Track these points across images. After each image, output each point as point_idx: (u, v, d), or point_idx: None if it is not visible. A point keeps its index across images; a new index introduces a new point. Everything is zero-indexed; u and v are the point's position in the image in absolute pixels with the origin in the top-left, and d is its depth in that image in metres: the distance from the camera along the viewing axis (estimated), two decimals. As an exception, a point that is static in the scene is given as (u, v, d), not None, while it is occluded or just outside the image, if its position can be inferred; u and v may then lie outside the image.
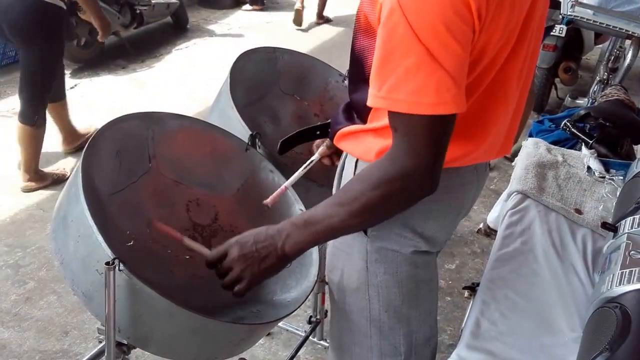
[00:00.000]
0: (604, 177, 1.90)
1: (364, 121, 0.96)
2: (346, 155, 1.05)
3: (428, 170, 0.81)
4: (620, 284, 1.13)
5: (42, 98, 2.48)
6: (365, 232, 1.00)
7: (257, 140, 1.28)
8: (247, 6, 5.91)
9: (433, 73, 0.74)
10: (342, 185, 1.05)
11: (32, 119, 2.47)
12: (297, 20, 5.15)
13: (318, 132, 1.15)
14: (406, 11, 0.73)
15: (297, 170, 1.18)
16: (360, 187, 0.84)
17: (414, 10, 0.73)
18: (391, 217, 0.91)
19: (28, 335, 1.93)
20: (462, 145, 0.89)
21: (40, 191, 2.70)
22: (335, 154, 1.17)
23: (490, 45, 0.82)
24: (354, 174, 0.99)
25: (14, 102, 3.60)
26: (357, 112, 0.99)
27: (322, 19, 5.38)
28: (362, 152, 0.97)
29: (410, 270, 1.01)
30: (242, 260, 0.91)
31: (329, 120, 1.10)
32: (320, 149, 1.18)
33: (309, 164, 1.17)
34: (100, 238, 0.90)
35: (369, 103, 0.82)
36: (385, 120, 0.88)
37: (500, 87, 0.89)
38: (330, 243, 1.08)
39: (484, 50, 0.81)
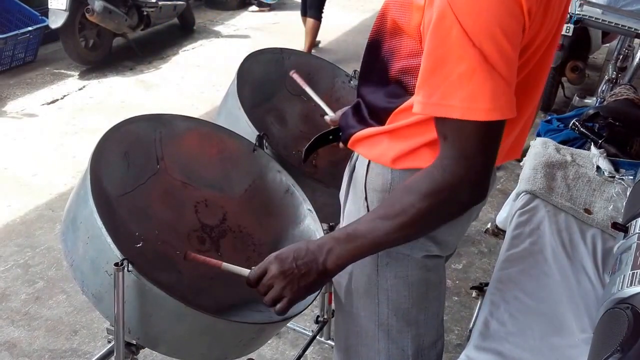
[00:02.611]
0: (613, 177, 1.88)
1: (380, 122, 0.93)
2: (357, 157, 1.03)
3: (479, 178, 0.77)
4: (631, 285, 1.12)
5: (322, 5, 4.48)
6: None
7: (264, 141, 1.28)
8: (254, 7, 5.93)
9: (488, 78, 0.70)
10: (351, 186, 1.04)
11: (319, 17, 4.42)
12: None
13: (331, 137, 1.13)
14: (459, 15, 0.69)
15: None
16: (408, 199, 0.80)
17: (467, 13, 0.69)
18: (439, 228, 0.87)
19: (38, 334, 1.95)
20: None
21: (49, 191, 2.72)
22: None
23: (533, 44, 0.79)
24: (366, 176, 0.97)
25: (23, 103, 3.64)
26: (373, 113, 0.96)
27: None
28: (376, 155, 0.94)
29: (421, 274, 1.00)
30: (282, 277, 0.87)
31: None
32: None
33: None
34: (109, 239, 0.90)
35: (416, 110, 0.78)
36: (403, 121, 0.86)
37: (527, 86, 0.86)
38: None
39: (526, 48, 0.78)
